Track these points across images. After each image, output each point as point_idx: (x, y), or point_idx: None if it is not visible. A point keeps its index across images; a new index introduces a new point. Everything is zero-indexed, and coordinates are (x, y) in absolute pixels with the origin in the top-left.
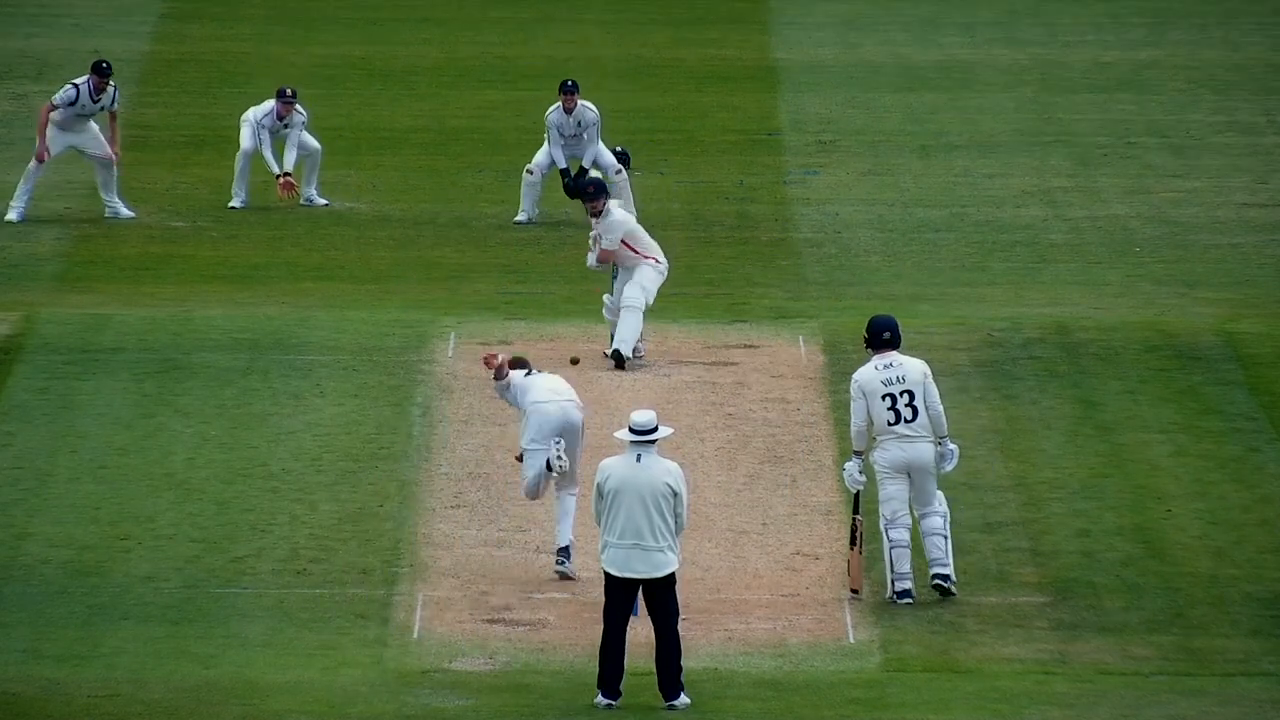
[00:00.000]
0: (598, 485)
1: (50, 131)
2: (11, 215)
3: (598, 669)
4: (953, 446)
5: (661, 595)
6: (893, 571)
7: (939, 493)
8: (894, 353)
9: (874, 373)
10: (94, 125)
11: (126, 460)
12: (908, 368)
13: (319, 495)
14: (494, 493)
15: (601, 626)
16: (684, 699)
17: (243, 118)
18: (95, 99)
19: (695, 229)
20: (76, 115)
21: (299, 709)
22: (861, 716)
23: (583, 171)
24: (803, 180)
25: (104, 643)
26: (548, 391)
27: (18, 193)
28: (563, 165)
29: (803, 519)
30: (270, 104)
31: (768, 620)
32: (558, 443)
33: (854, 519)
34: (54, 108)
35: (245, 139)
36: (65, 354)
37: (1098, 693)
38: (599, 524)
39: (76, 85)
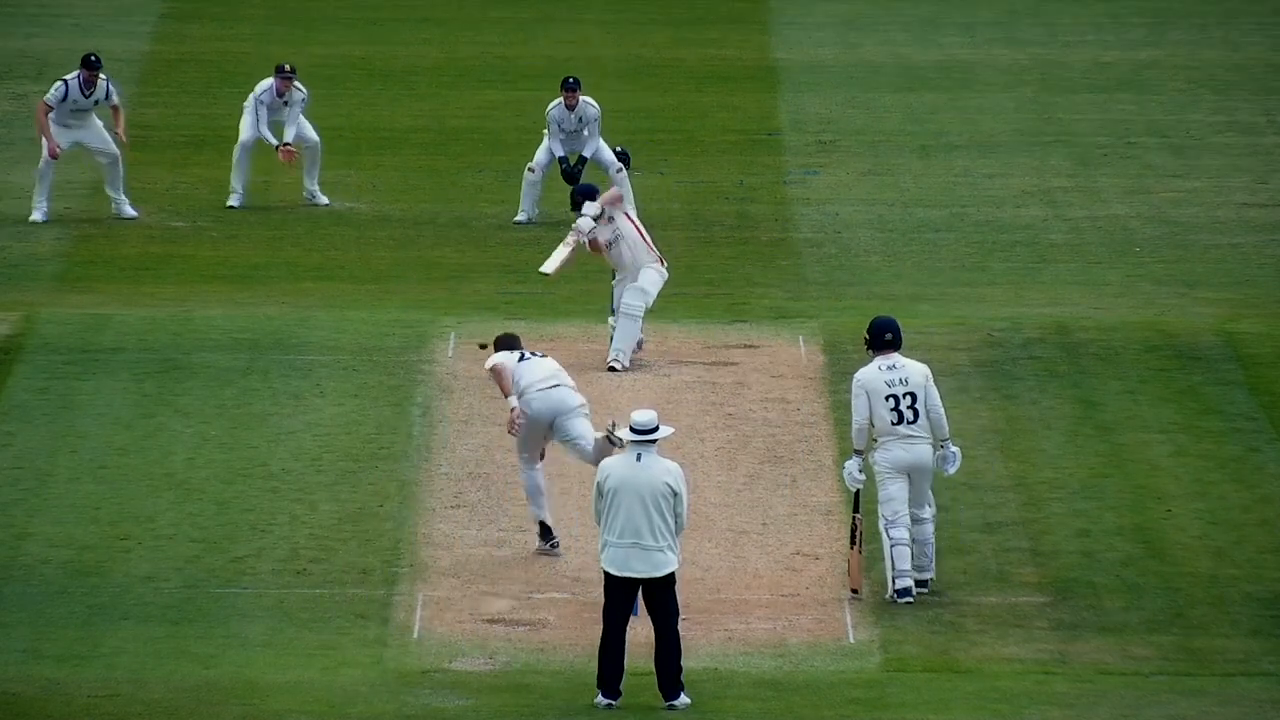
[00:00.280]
0: (598, 484)
1: (54, 130)
2: (36, 216)
3: (597, 669)
4: (955, 449)
5: (661, 595)
6: (894, 569)
7: (929, 493)
8: (896, 354)
9: (877, 373)
10: (97, 121)
11: (126, 460)
12: (910, 370)
13: (319, 495)
14: (494, 493)
15: (601, 627)
16: (684, 699)
17: (245, 104)
18: (86, 93)
19: (695, 229)
20: (73, 111)
21: (299, 709)
22: (861, 716)
23: (581, 161)
24: (803, 180)
25: (104, 643)
26: (541, 379)
27: (37, 193)
28: (561, 154)
29: (803, 519)
30: (270, 81)
31: (768, 620)
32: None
33: (854, 518)
34: (49, 107)
35: (244, 129)
36: (65, 354)
37: (1098, 693)
38: (599, 523)
39: (65, 81)
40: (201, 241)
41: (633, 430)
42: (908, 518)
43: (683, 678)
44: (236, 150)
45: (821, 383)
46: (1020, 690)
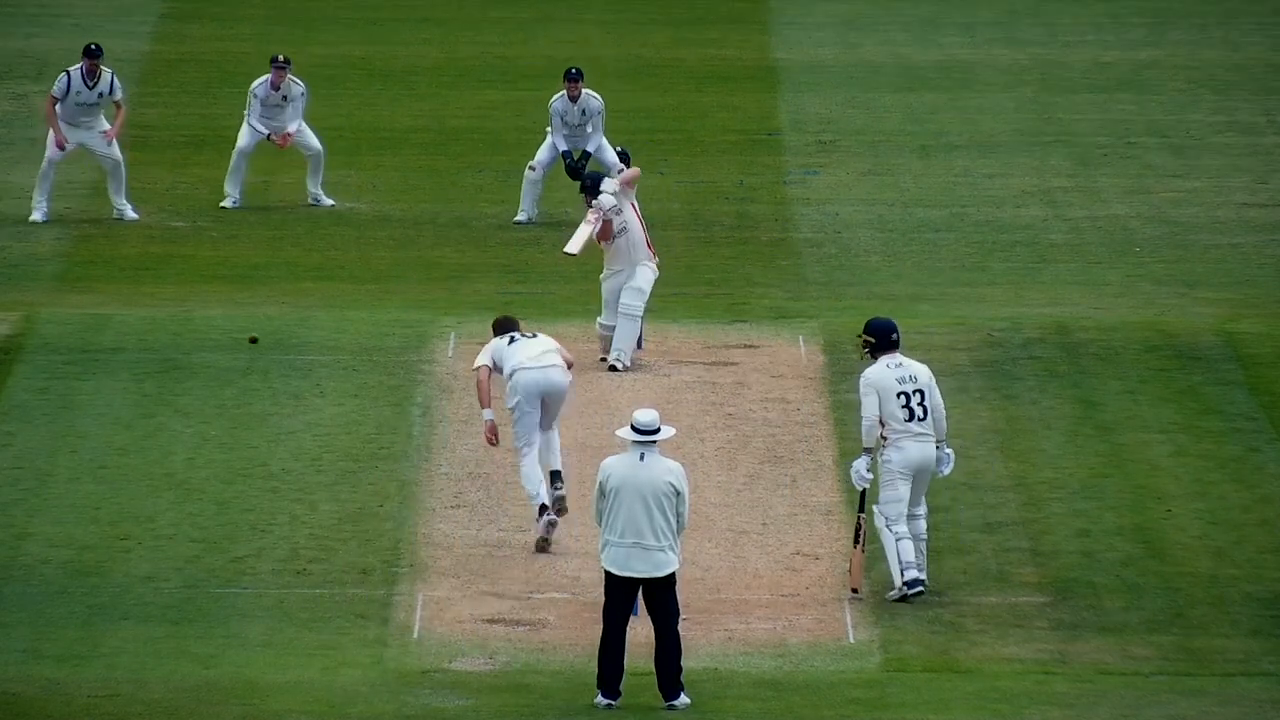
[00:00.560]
0: (600, 484)
1: (62, 129)
2: (36, 216)
3: (597, 669)
4: (949, 450)
5: (662, 595)
6: (900, 563)
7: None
8: (898, 354)
9: (886, 370)
10: (105, 124)
11: (126, 460)
12: (916, 368)
13: (319, 495)
14: (494, 493)
15: (601, 627)
16: (684, 699)
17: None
18: (90, 84)
19: (695, 229)
20: (78, 105)
21: (299, 709)
22: (861, 716)
23: (585, 156)
24: (803, 180)
25: (104, 643)
26: (529, 359)
27: (38, 193)
28: (564, 149)
29: (803, 519)
30: (266, 77)
31: (768, 620)
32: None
33: (859, 517)
34: (55, 99)
35: (242, 135)
36: (65, 354)
37: (1098, 693)
38: (599, 522)
39: (68, 72)
40: (201, 241)
41: (636, 430)
42: (906, 517)
43: (683, 678)
44: (234, 156)
45: (821, 383)
46: (1020, 690)
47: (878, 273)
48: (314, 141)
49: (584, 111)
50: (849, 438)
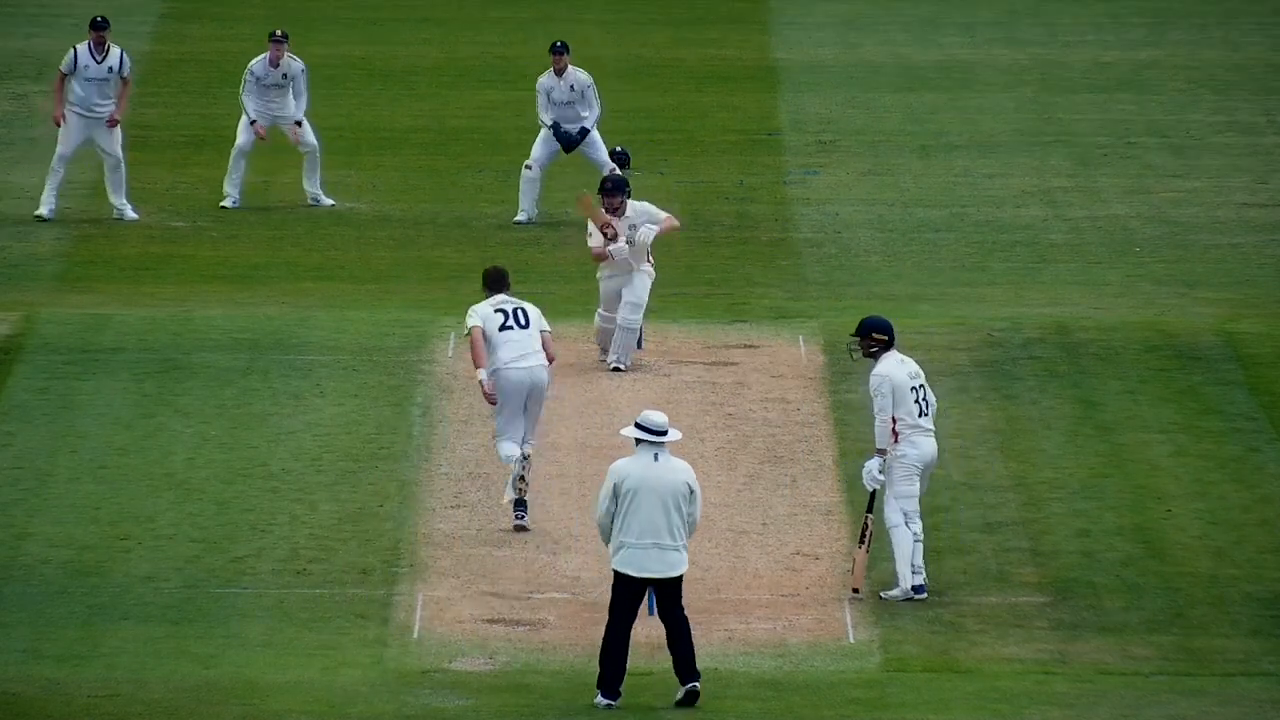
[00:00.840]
0: (614, 486)
1: (71, 119)
2: (43, 211)
3: (599, 670)
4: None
5: (674, 594)
6: (912, 564)
7: None
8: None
9: (899, 367)
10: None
11: (126, 460)
12: (916, 364)
13: (319, 495)
14: (494, 493)
15: (603, 627)
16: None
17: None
18: (98, 58)
19: (695, 229)
20: (87, 80)
21: (299, 709)
22: (861, 716)
23: (583, 132)
24: (803, 180)
25: (104, 643)
26: (514, 359)
27: (47, 189)
28: (549, 122)
29: (803, 519)
30: (262, 56)
31: (768, 620)
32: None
33: (866, 518)
34: (64, 75)
35: (241, 133)
36: (65, 354)
37: (1098, 693)
38: (609, 525)
39: (75, 48)
40: (201, 241)
41: (649, 430)
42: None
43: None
44: (233, 156)
45: (821, 383)
46: (1020, 690)
47: (878, 273)
48: (310, 138)
49: (572, 87)
50: (849, 438)
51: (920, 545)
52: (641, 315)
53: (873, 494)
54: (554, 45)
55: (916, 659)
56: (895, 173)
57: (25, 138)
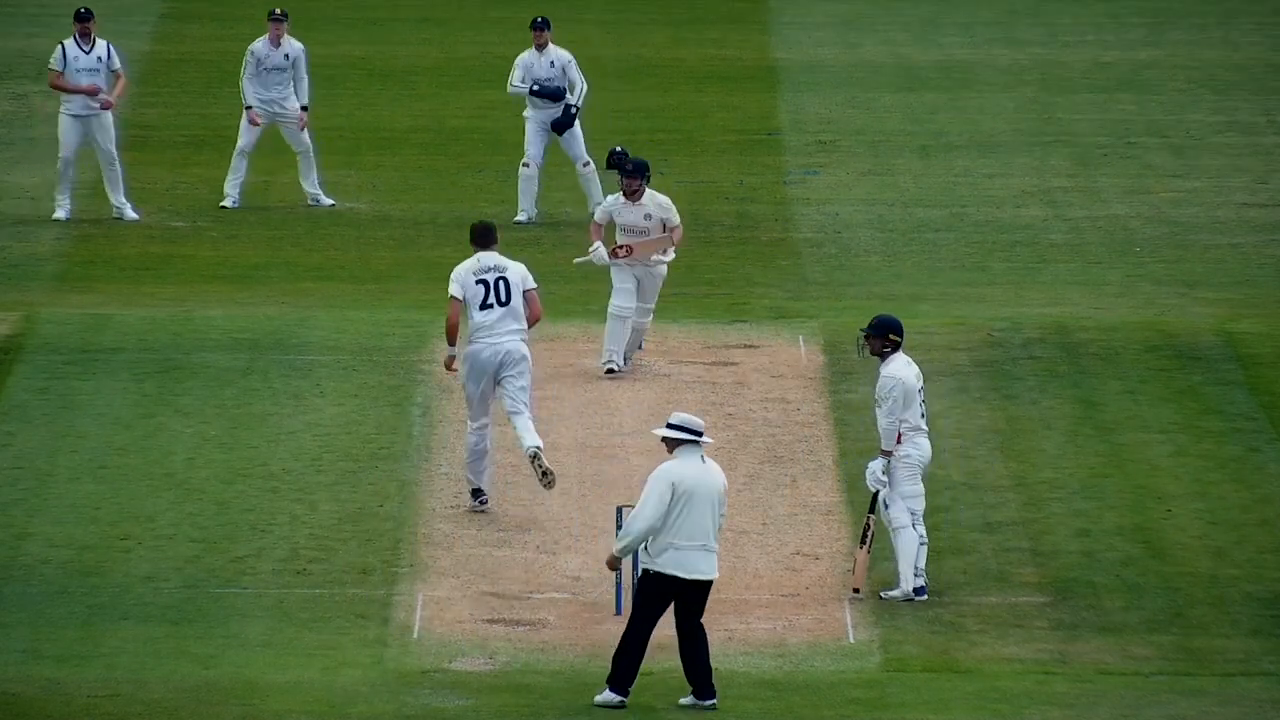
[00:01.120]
0: (671, 487)
1: (66, 122)
2: (60, 214)
3: (614, 667)
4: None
5: (704, 599)
6: (916, 566)
7: None
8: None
9: (908, 369)
10: (109, 117)
11: (126, 460)
12: (917, 367)
13: (319, 495)
14: (494, 492)
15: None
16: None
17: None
18: (85, 49)
19: (695, 229)
20: (78, 71)
21: (299, 709)
22: (861, 716)
23: (569, 110)
24: (803, 180)
25: (104, 643)
26: (485, 332)
27: (59, 190)
28: (526, 87)
29: (803, 519)
30: (262, 39)
31: (768, 620)
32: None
33: (868, 518)
34: (58, 73)
35: (243, 134)
36: (65, 354)
37: (1098, 693)
38: (656, 525)
39: (62, 44)
40: (201, 241)
41: (690, 431)
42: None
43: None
44: (234, 157)
45: (821, 383)
46: (1020, 690)
47: (878, 273)
48: (304, 137)
49: (552, 63)
50: (849, 438)
51: (924, 548)
52: (633, 307)
53: (875, 495)
54: (534, 21)
55: (916, 659)
56: (895, 173)
57: (25, 138)
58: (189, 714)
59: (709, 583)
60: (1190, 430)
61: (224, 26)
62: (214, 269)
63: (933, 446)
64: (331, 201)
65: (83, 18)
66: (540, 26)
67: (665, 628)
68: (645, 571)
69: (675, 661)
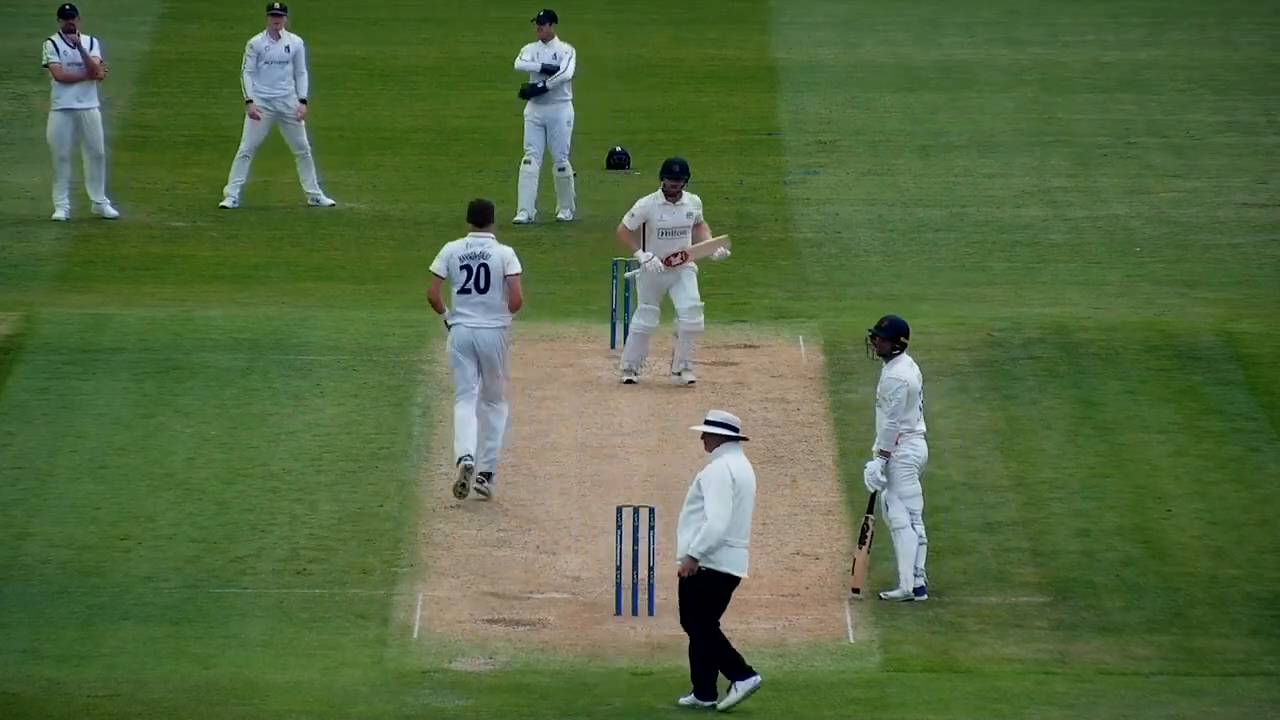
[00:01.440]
0: (737, 489)
1: (59, 119)
2: (59, 214)
3: (724, 662)
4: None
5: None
6: (915, 566)
7: None
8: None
9: (911, 371)
10: (98, 116)
11: (126, 460)
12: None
13: (319, 495)
14: (494, 493)
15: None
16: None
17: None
18: (71, 44)
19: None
20: (69, 66)
21: (299, 709)
22: (861, 716)
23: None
24: (803, 180)
25: (104, 643)
26: (462, 314)
27: (57, 192)
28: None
29: (803, 519)
30: (262, 33)
31: (768, 620)
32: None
33: (866, 519)
34: (58, 64)
35: (246, 136)
36: (65, 354)
37: (1098, 693)
38: (719, 525)
39: (50, 39)
40: (201, 241)
41: (732, 429)
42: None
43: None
44: (236, 159)
45: (821, 383)
46: (1020, 690)
47: (878, 273)
48: (303, 138)
49: (555, 55)
50: (849, 438)
51: (924, 548)
52: (701, 315)
53: (873, 495)
54: (539, 15)
55: (916, 659)
56: (895, 173)
57: (25, 138)
58: (189, 714)
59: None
60: (1190, 430)
61: (224, 26)
62: (214, 269)
63: (930, 447)
64: (332, 201)
65: (67, 14)
66: (543, 20)
67: (666, 628)
68: (704, 572)
69: (675, 661)
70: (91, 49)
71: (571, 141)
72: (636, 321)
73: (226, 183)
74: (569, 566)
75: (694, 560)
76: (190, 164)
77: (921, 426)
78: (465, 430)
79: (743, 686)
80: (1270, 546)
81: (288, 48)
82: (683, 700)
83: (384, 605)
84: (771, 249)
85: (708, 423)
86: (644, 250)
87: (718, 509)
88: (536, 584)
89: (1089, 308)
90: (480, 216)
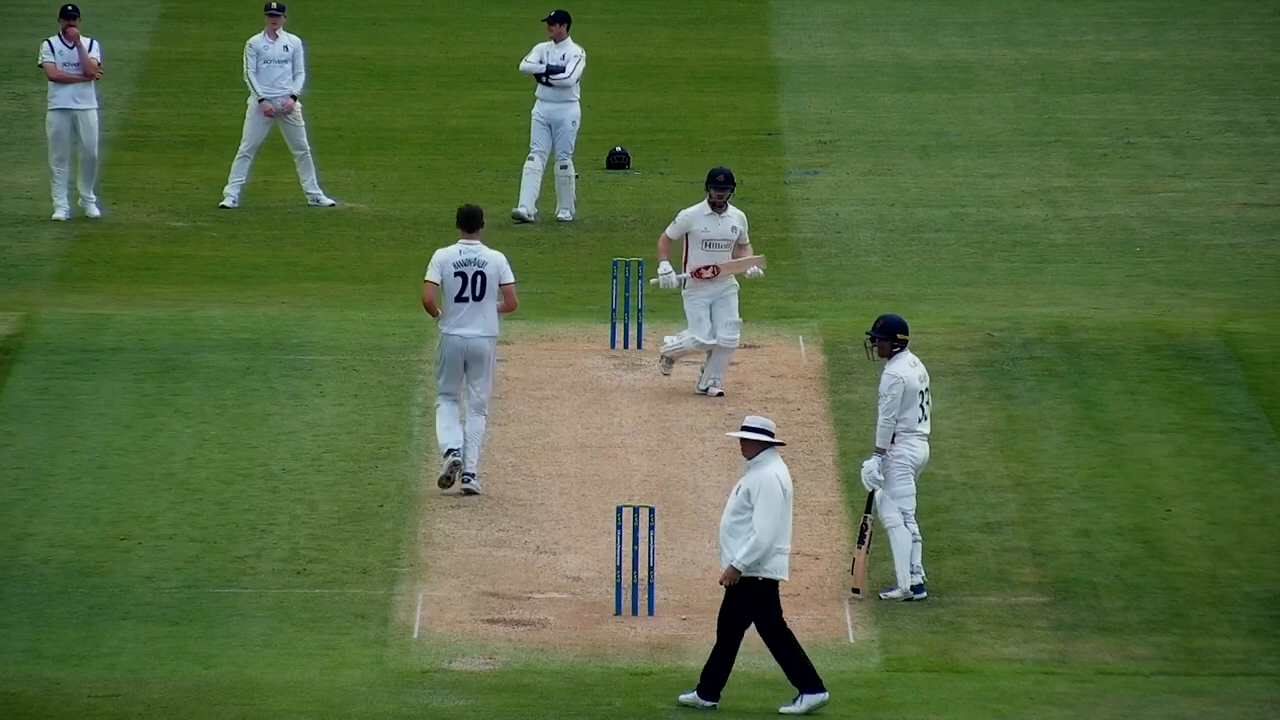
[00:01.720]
0: (786, 492)
1: (55, 120)
2: (59, 214)
3: (805, 668)
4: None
5: None
6: (911, 564)
7: None
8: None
9: (912, 370)
10: (95, 117)
11: (126, 460)
12: (924, 369)
13: (319, 495)
14: (494, 493)
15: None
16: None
17: (245, 66)
18: (69, 45)
19: None
20: (64, 65)
21: (299, 709)
22: (861, 716)
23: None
24: (803, 180)
25: (104, 643)
26: (457, 322)
27: (58, 191)
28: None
29: (803, 519)
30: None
31: None
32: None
33: (865, 518)
34: (53, 64)
35: (246, 137)
36: (65, 354)
37: (1098, 693)
38: (781, 530)
39: (49, 40)
40: (201, 241)
41: (770, 434)
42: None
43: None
44: (236, 159)
45: (821, 383)
46: (1020, 690)
47: (878, 273)
48: (302, 138)
49: (564, 55)
50: (849, 438)
51: (919, 545)
52: (739, 333)
53: (871, 494)
54: (551, 15)
55: (916, 659)
56: (895, 173)
57: (25, 138)
58: (189, 714)
59: None
60: (1190, 430)
61: (224, 26)
62: (214, 269)
63: (931, 448)
64: (332, 201)
65: (68, 15)
66: (553, 21)
67: (666, 628)
68: (758, 580)
69: (675, 661)
70: (91, 50)
71: (575, 141)
72: (696, 339)
73: (226, 183)
74: (569, 566)
75: (737, 572)
76: (190, 164)
77: (923, 428)
78: (450, 424)
79: (810, 700)
80: (1270, 546)
81: (286, 46)
82: (683, 698)
83: (384, 605)
84: (771, 249)
85: (745, 428)
86: (668, 262)
87: (765, 522)
88: (536, 584)
89: (1089, 308)
90: (470, 222)
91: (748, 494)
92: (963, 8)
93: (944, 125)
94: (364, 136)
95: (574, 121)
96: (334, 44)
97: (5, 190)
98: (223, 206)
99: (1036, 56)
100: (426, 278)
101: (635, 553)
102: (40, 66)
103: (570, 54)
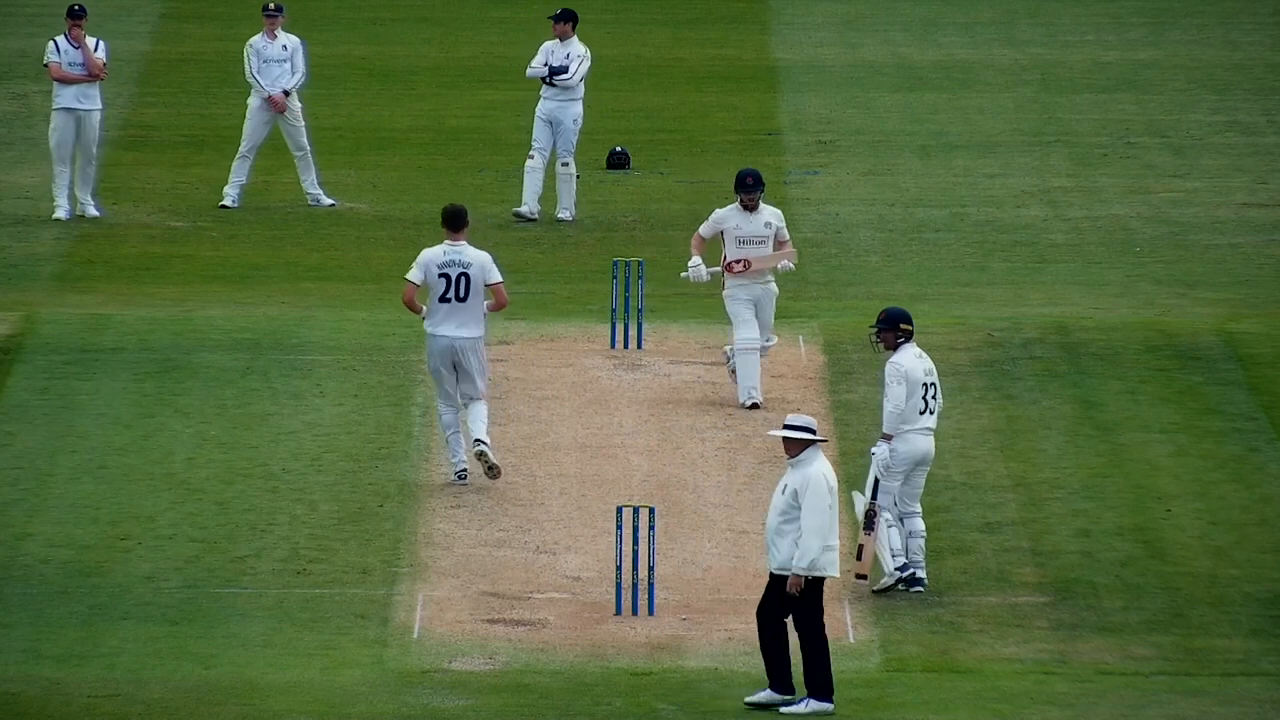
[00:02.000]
0: (833, 493)
1: (59, 120)
2: (59, 214)
3: (823, 675)
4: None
5: None
6: (890, 547)
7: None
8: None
9: (916, 361)
10: (96, 116)
11: (126, 460)
12: (930, 362)
13: (319, 495)
14: (494, 493)
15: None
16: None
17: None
18: (75, 45)
19: (695, 229)
20: (69, 65)
21: (299, 709)
22: (861, 716)
23: (554, 72)
24: (803, 180)
25: (104, 643)
26: (440, 322)
27: (58, 191)
28: (541, 69)
29: None
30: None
31: None
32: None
33: (871, 504)
34: (57, 64)
35: (246, 137)
36: (65, 354)
37: (1098, 693)
38: (829, 528)
39: (54, 39)
40: (201, 241)
41: (812, 431)
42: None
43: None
44: (236, 159)
45: (821, 383)
46: (1020, 690)
47: (878, 273)
48: (302, 139)
49: (568, 54)
50: (849, 437)
51: (896, 531)
52: (773, 337)
53: (875, 481)
54: (557, 13)
55: (916, 659)
56: (895, 173)
57: (25, 138)
58: (189, 714)
59: None
60: (1190, 430)
61: (224, 26)
62: (214, 269)
63: (935, 446)
64: (332, 201)
65: (75, 15)
66: (558, 19)
67: (666, 628)
68: (809, 581)
69: (675, 662)
70: (96, 50)
71: (577, 140)
72: (738, 337)
73: (226, 183)
74: (569, 566)
75: (800, 579)
76: (190, 164)
77: (925, 421)
78: (455, 445)
79: (815, 706)
80: (1270, 546)
81: (285, 46)
82: (757, 697)
83: (384, 605)
84: None
85: (788, 426)
86: (699, 257)
87: (814, 522)
88: (536, 584)
89: (1089, 308)
90: (455, 222)
91: (795, 493)
92: (963, 8)
93: (944, 125)
94: (364, 136)
95: (576, 120)
96: (334, 44)
97: (5, 190)
98: (223, 206)
99: (1036, 56)
100: (408, 277)
101: (635, 553)
102: (45, 66)
103: (575, 53)
